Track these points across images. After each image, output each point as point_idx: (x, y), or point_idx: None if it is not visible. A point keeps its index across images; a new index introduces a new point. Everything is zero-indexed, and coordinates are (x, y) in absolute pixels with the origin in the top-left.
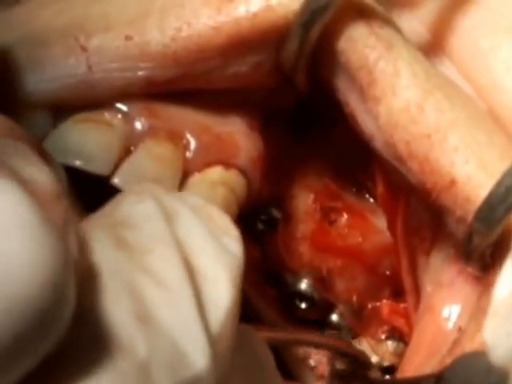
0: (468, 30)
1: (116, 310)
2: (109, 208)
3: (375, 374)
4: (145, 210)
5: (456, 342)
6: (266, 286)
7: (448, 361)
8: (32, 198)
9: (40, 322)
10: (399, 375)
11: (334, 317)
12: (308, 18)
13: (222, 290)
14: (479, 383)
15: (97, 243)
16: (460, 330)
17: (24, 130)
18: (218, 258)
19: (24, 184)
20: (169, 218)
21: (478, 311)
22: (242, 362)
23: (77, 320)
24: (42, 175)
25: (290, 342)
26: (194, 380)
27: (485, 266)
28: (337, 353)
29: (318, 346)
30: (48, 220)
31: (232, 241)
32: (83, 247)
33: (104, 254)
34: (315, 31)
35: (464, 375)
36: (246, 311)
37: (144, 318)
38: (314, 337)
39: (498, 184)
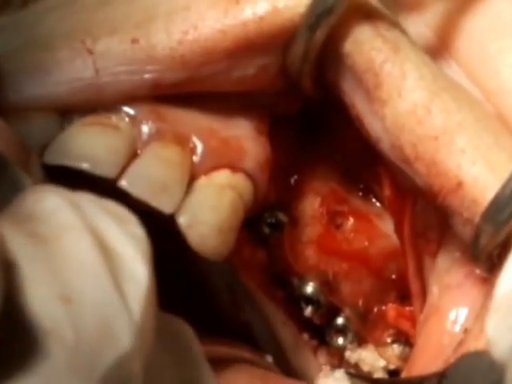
0: (475, 34)
1: (39, 294)
2: (13, 208)
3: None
4: (49, 204)
5: (461, 342)
6: (272, 289)
7: (452, 360)
8: None
9: None
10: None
11: (340, 320)
12: (314, 20)
13: (139, 268)
14: (481, 381)
15: (9, 235)
16: (466, 331)
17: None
18: (128, 239)
19: None
20: (75, 206)
21: (483, 311)
22: (167, 347)
23: (4, 312)
24: None
25: None
26: (122, 359)
27: (492, 267)
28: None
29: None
30: None
31: (134, 226)
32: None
33: (19, 245)
34: (321, 34)
35: (466, 373)
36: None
37: (67, 298)
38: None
39: (505, 186)
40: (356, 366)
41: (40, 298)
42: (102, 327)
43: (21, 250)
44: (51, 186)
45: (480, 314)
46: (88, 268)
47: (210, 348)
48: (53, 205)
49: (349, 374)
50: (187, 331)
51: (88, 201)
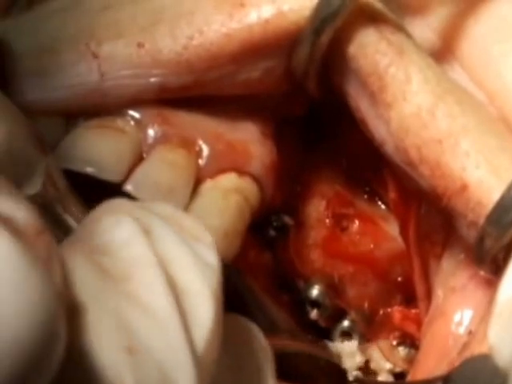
0: (479, 37)
1: (104, 344)
2: (86, 231)
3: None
4: (123, 233)
5: (465, 345)
6: (278, 292)
7: (457, 364)
8: (16, 238)
9: (33, 362)
10: (409, 379)
11: (346, 323)
12: (319, 24)
13: (205, 308)
14: None
15: (78, 274)
16: (470, 333)
17: None
18: (197, 272)
19: (6, 222)
20: (147, 234)
21: (488, 314)
22: (229, 351)
23: (67, 357)
24: (22, 211)
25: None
26: None
27: (497, 270)
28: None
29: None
30: (34, 261)
31: (207, 249)
32: (67, 279)
33: (86, 286)
34: (326, 37)
35: (470, 377)
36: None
37: (132, 349)
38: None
39: (510, 188)
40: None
41: (104, 347)
42: (163, 379)
43: (90, 291)
44: (124, 203)
45: (485, 316)
46: (157, 314)
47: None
48: (126, 234)
49: (356, 379)
50: (253, 331)
51: (161, 224)
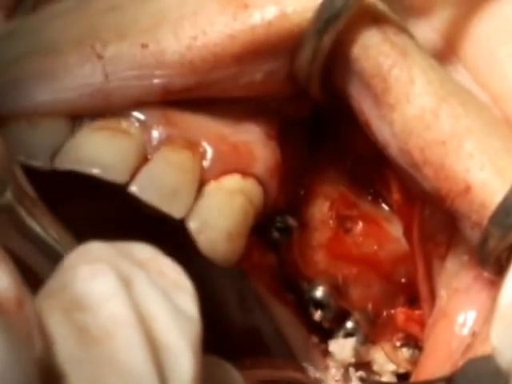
0: (483, 38)
1: None
2: (61, 281)
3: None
4: (101, 286)
5: (469, 346)
6: (282, 293)
7: (460, 364)
8: None
9: None
10: (413, 381)
11: (349, 324)
12: (322, 25)
13: (185, 363)
14: None
15: (58, 335)
16: (474, 334)
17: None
18: (177, 325)
19: None
20: (126, 286)
21: (491, 315)
22: None
23: None
24: (3, 279)
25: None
26: None
27: (500, 271)
28: None
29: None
30: (14, 340)
31: (186, 299)
32: (48, 343)
33: (67, 349)
34: (329, 39)
35: (473, 378)
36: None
37: None
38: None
39: None
40: (367, 364)
41: None
42: None
43: (68, 355)
44: (100, 248)
45: (488, 317)
46: (134, 376)
47: (256, 371)
48: (105, 288)
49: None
50: (228, 372)
51: (141, 275)
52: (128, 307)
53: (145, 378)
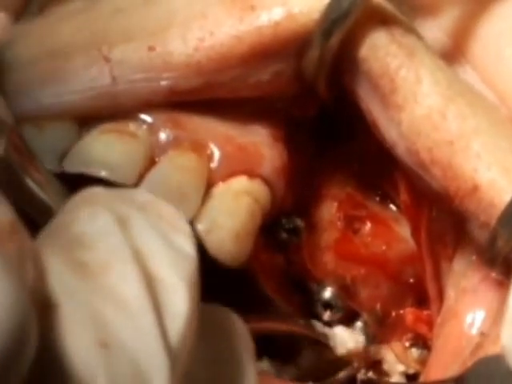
0: (490, 38)
1: (76, 339)
2: (62, 223)
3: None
4: (99, 225)
5: (479, 346)
6: (290, 294)
7: (470, 364)
8: None
9: (3, 365)
10: (422, 381)
11: (358, 324)
12: (329, 26)
13: (179, 299)
14: None
15: (53, 269)
16: (483, 334)
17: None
18: (172, 263)
19: None
20: (123, 226)
21: (500, 315)
22: (207, 349)
23: (39, 354)
24: None
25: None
26: None
27: (508, 271)
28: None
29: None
30: (4, 263)
31: (184, 239)
32: (41, 275)
33: (61, 281)
34: (336, 39)
35: (484, 378)
36: None
37: (105, 343)
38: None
39: None
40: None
41: (77, 343)
42: (136, 374)
43: (64, 286)
44: (101, 192)
45: (496, 317)
46: (130, 307)
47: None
48: (102, 226)
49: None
50: (231, 320)
51: (137, 215)
52: (124, 243)
53: (140, 310)
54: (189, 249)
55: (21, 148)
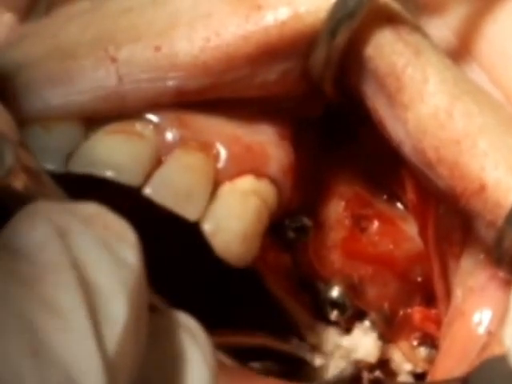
0: (497, 37)
1: (6, 347)
2: (4, 237)
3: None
4: (37, 236)
5: (485, 346)
6: (298, 293)
7: (476, 364)
8: None
9: None
10: (429, 380)
11: (366, 324)
12: (335, 25)
13: (117, 306)
14: None
15: None
16: (490, 333)
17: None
18: (113, 272)
19: None
20: (62, 236)
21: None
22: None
23: None
24: None
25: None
26: None
27: None
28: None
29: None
30: None
31: (128, 249)
32: None
33: None
34: (342, 38)
35: (489, 378)
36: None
37: (36, 351)
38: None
39: None
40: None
41: (6, 351)
42: (68, 382)
43: None
44: (45, 206)
45: (504, 316)
46: (65, 315)
47: (230, 338)
48: (41, 238)
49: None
50: (189, 328)
51: (78, 226)
52: (62, 253)
53: (75, 317)
54: (132, 259)
55: (28, 167)
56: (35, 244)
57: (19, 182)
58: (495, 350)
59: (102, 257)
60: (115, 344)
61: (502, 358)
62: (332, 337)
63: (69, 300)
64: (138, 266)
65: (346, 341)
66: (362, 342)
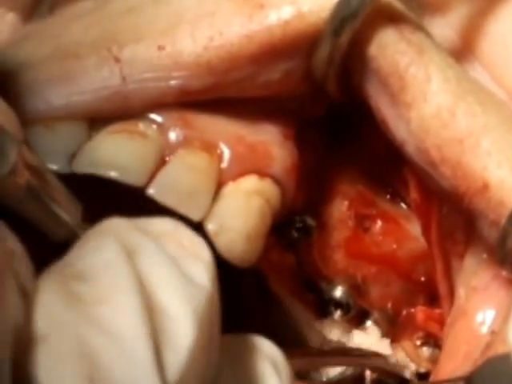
0: (500, 36)
1: (62, 374)
2: (70, 257)
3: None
4: (104, 257)
5: (489, 345)
6: (301, 293)
7: (479, 363)
8: None
9: None
10: (432, 380)
11: (369, 323)
12: (338, 24)
13: (184, 331)
14: None
15: (45, 300)
16: (493, 333)
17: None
18: (180, 292)
19: None
20: (131, 255)
21: (510, 314)
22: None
23: None
24: None
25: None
26: None
27: None
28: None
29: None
30: None
31: (200, 269)
32: (30, 309)
33: (52, 313)
34: (345, 38)
35: (492, 377)
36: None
37: (93, 378)
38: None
39: None
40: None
41: (62, 378)
42: None
43: (54, 318)
44: (118, 222)
45: (507, 316)
46: (124, 341)
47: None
48: (108, 257)
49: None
50: (266, 351)
51: (149, 245)
52: (127, 274)
53: (135, 342)
54: (203, 279)
55: (32, 165)
56: (101, 264)
57: (22, 179)
58: (499, 349)
59: (171, 276)
60: (177, 373)
61: (505, 357)
62: (335, 336)
63: (130, 324)
64: (209, 286)
65: (350, 340)
66: (367, 341)
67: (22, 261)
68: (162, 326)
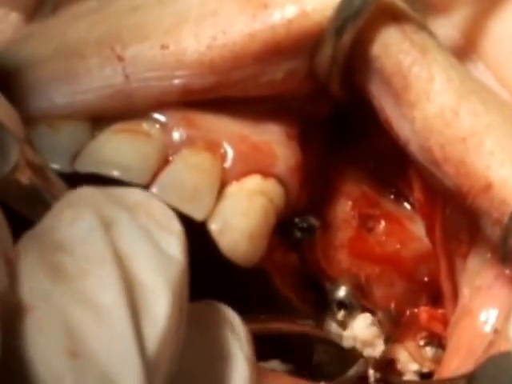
0: (503, 35)
1: (45, 346)
2: (47, 225)
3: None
4: (81, 228)
5: (491, 343)
6: (304, 293)
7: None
8: None
9: None
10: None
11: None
12: (341, 23)
13: (160, 303)
14: (509, 382)
15: (29, 274)
16: (496, 331)
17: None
18: (157, 266)
19: None
20: (107, 228)
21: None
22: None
23: (4, 359)
24: None
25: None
26: None
27: None
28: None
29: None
30: None
31: (172, 239)
32: (14, 278)
33: (36, 286)
34: (348, 37)
35: (493, 375)
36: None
37: (75, 352)
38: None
39: None
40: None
41: (45, 350)
42: (108, 382)
43: (38, 291)
44: (89, 192)
45: (509, 314)
46: (105, 314)
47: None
48: (85, 230)
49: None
50: (226, 316)
51: (123, 216)
52: (104, 247)
53: (116, 316)
54: (176, 251)
55: (34, 163)
56: (79, 236)
57: (24, 178)
58: (501, 348)
59: (147, 250)
60: (156, 343)
61: (507, 355)
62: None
63: (110, 297)
64: (180, 259)
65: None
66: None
67: (2, 227)
68: (139, 300)
